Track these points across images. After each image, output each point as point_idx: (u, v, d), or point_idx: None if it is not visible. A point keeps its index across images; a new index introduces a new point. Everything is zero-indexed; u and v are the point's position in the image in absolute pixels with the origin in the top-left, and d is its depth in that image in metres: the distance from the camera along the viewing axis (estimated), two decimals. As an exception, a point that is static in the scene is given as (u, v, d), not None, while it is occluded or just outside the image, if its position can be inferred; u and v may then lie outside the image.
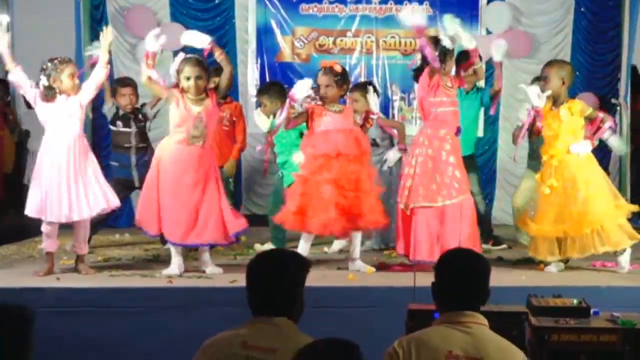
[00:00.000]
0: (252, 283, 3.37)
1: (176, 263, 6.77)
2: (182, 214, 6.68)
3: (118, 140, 8.05)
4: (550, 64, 7.06)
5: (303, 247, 6.88)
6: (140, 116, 8.08)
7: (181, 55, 6.87)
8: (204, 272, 6.78)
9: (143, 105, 8.13)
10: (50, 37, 9.90)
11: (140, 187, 7.72)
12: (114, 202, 6.89)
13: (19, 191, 9.95)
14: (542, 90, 6.83)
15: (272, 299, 3.32)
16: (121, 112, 8.01)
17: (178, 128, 6.76)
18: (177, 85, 6.79)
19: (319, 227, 6.82)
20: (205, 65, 6.82)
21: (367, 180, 6.89)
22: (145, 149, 7.94)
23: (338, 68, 7.04)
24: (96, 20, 9.81)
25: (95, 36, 9.69)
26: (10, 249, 8.01)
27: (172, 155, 6.74)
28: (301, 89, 6.85)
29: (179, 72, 6.76)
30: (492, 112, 8.18)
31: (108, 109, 8.10)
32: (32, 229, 7.55)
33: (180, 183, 6.70)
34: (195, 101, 6.77)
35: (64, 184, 6.62)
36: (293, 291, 3.35)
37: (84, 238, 6.91)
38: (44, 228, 6.73)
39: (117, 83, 8.27)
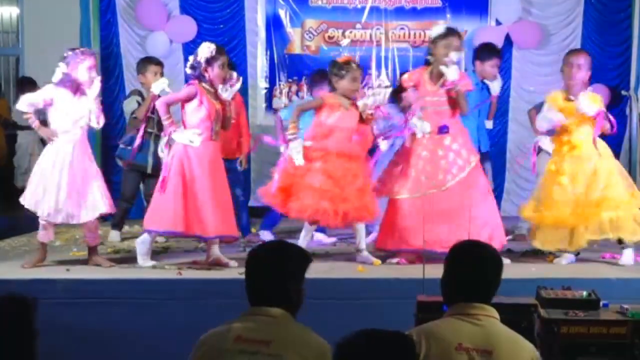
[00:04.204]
0: (251, 274, 3.39)
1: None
2: (206, 207, 6.62)
3: (137, 124, 7.88)
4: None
5: (303, 237, 6.93)
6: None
7: (208, 44, 6.74)
8: (226, 265, 6.71)
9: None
10: (58, 28, 9.91)
11: (151, 175, 7.76)
12: (108, 208, 6.80)
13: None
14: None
15: (270, 290, 3.32)
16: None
17: (202, 124, 6.63)
18: (197, 78, 6.68)
19: (295, 211, 6.85)
20: None
21: (362, 177, 6.88)
22: (159, 138, 7.85)
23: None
24: (103, 11, 9.81)
25: (102, 27, 9.75)
26: (21, 241, 8.04)
27: (198, 154, 6.63)
28: None
29: (212, 60, 6.65)
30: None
31: (130, 99, 8.00)
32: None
33: (211, 180, 6.64)
34: (213, 95, 6.72)
35: (64, 184, 6.59)
36: (290, 283, 3.34)
37: (95, 228, 6.87)
38: (42, 219, 6.67)
39: (143, 61, 8.14)
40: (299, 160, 6.74)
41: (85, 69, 6.67)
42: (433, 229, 6.57)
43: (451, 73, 6.69)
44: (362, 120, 6.93)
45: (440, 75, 6.78)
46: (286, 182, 6.85)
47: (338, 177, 6.78)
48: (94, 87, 6.71)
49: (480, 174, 6.95)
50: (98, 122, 6.78)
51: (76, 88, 6.67)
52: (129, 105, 8.05)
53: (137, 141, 7.57)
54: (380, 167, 7.47)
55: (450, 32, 6.84)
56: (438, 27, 7.00)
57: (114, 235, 7.99)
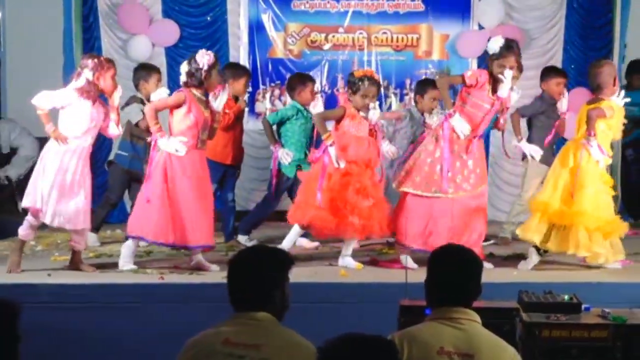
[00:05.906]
0: (233, 280, 3.40)
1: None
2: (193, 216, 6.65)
3: (138, 132, 7.85)
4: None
5: (290, 239, 6.96)
6: None
7: (205, 51, 6.74)
8: (208, 269, 6.71)
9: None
10: (41, 31, 9.85)
11: (135, 181, 7.72)
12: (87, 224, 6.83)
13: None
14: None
15: (253, 295, 3.33)
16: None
17: (189, 132, 6.63)
18: (195, 86, 6.66)
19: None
20: None
21: (380, 188, 6.95)
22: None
23: None
24: (86, 14, 9.76)
25: (84, 31, 9.71)
26: (2, 245, 7.99)
27: (183, 163, 6.62)
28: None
29: (212, 67, 6.65)
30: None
31: (132, 107, 7.89)
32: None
33: (194, 190, 6.65)
34: (204, 103, 6.71)
35: (67, 189, 6.56)
36: (273, 287, 3.35)
37: (84, 234, 6.83)
38: (31, 220, 6.62)
39: (144, 69, 8.08)
40: (342, 163, 6.76)
41: (110, 78, 6.66)
42: (449, 232, 6.70)
43: (502, 91, 6.77)
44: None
45: (495, 87, 6.83)
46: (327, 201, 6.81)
47: (365, 189, 6.80)
48: (116, 96, 6.72)
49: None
50: (118, 128, 6.84)
51: (96, 97, 6.65)
52: (133, 114, 7.90)
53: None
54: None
55: (506, 50, 6.80)
56: (495, 42, 6.88)
57: (92, 238, 7.89)
